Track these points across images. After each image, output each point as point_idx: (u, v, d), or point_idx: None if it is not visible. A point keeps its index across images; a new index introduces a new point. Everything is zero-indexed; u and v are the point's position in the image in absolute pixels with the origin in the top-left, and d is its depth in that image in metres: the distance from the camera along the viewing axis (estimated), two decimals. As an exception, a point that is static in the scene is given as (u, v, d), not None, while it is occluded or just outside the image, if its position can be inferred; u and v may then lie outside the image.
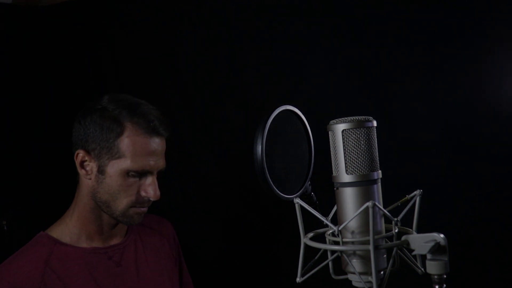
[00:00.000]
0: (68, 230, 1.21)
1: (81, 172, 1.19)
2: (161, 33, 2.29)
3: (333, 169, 0.83)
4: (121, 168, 1.14)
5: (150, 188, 1.17)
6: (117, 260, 1.23)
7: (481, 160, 1.72)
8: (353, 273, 0.80)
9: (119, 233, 1.28)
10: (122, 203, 1.16)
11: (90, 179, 1.18)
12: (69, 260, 1.17)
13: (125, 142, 1.14)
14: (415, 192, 0.85)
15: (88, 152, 1.17)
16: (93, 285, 1.17)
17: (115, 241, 1.27)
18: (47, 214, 2.45)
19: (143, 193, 1.17)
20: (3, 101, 2.47)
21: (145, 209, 1.20)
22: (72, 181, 1.27)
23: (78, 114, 1.21)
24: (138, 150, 1.14)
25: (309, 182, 0.94)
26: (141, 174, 1.16)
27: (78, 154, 1.18)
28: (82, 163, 1.18)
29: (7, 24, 2.47)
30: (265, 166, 0.83)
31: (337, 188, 0.82)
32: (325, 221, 0.82)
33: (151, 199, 1.18)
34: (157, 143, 1.18)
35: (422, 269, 0.81)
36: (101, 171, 1.16)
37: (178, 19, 2.24)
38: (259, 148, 0.83)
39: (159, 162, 1.19)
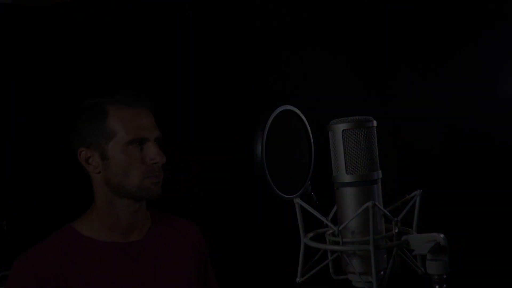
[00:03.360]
0: (90, 224, 1.25)
1: (89, 168, 1.23)
2: (160, 32, 2.29)
3: (333, 169, 0.83)
4: (120, 144, 1.19)
5: (153, 153, 1.21)
6: (134, 257, 1.24)
7: (481, 160, 1.72)
8: (353, 273, 0.80)
9: (140, 230, 1.29)
10: (134, 177, 1.20)
11: (99, 172, 1.22)
12: (88, 253, 1.21)
13: (113, 120, 1.20)
14: (415, 192, 0.84)
15: (88, 147, 1.22)
16: (109, 278, 1.19)
17: (135, 238, 1.27)
18: (47, 214, 2.46)
19: (148, 161, 1.21)
20: (2, 101, 2.47)
21: (158, 179, 1.23)
22: (71, 181, 1.28)
23: (69, 123, 1.27)
24: (126, 121, 1.20)
25: (309, 182, 0.94)
26: (140, 142, 1.21)
27: (80, 152, 1.23)
28: (87, 160, 1.23)
29: (7, 24, 2.47)
30: (265, 166, 0.83)
31: (337, 188, 0.82)
32: (325, 221, 0.82)
33: (158, 162, 1.21)
34: (141, 113, 1.23)
35: (422, 269, 0.81)
36: (104, 157, 1.21)
37: (177, 18, 2.24)
38: (259, 148, 0.83)
39: (151, 130, 1.23)
